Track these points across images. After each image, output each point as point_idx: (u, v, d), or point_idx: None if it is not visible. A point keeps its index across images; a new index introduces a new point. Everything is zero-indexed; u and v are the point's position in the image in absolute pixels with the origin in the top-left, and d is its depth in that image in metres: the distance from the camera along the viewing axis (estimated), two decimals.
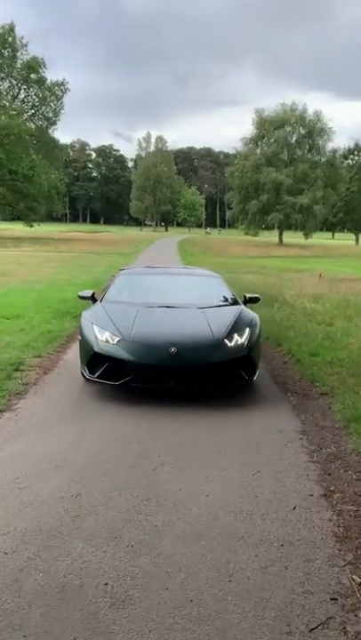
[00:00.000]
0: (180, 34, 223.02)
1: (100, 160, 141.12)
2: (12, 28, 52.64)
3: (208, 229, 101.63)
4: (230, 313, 6.55)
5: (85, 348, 6.10)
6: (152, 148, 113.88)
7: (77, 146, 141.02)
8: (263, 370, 7.09)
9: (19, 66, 53.31)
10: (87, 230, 79.04)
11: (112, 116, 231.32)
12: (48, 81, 54.08)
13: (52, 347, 8.17)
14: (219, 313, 6.62)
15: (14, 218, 64.54)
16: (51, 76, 55.42)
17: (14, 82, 54.33)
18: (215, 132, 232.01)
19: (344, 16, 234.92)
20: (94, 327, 6.10)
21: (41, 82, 53.62)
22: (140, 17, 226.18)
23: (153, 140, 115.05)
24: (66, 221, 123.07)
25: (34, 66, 52.62)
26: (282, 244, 56.98)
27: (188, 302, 6.90)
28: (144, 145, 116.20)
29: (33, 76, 53.24)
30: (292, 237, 62.31)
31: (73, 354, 7.79)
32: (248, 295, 7.57)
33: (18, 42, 52.99)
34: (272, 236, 62.61)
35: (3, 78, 54.56)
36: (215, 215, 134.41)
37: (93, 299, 7.41)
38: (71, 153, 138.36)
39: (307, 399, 6.01)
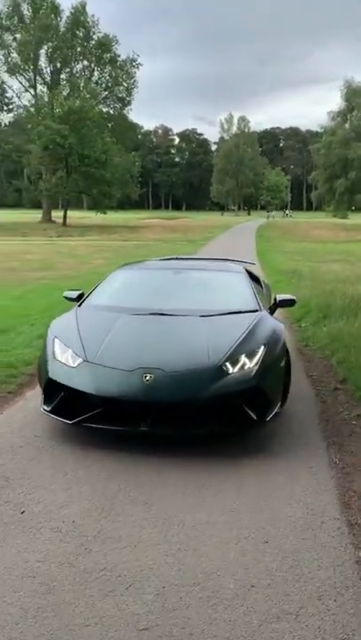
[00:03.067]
0: (264, 13, 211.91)
1: (184, 145, 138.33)
2: (83, 7, 50.58)
3: (288, 212, 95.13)
4: (243, 324, 4.76)
5: (42, 370, 4.61)
6: (234, 130, 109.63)
7: (160, 132, 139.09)
8: (331, 484, 3.73)
9: (91, 46, 51.25)
10: (166, 217, 76.37)
11: (196, 100, 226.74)
12: (120, 58, 51.52)
13: None
14: (227, 323, 4.88)
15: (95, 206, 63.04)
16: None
17: (87, 63, 52.41)
18: (302, 112, 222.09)
19: None
20: (55, 342, 4.62)
21: (113, 60, 51.18)
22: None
23: (235, 121, 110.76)
24: (148, 208, 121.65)
25: (106, 43, 50.29)
26: None
27: (191, 308, 5.17)
28: (226, 126, 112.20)
29: (106, 55, 50.96)
30: None
31: None
32: (280, 297, 6.01)
33: (90, 20, 50.89)
34: None
35: (77, 60, 52.85)
36: (301, 197, 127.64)
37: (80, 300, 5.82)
38: (154, 139, 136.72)
39: None
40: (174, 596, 2.52)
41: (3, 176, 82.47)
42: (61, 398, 4.29)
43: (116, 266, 18.41)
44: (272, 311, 5.74)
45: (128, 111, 54.83)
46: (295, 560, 2.79)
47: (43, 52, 51.36)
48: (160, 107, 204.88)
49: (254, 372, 4.22)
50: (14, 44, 50.64)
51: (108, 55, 51.23)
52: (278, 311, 7.50)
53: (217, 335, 4.57)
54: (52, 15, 49.81)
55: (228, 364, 4.21)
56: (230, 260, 7.50)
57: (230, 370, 4.19)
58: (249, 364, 4.26)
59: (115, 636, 2.29)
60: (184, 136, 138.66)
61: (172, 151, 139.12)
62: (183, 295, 5.54)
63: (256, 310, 5.21)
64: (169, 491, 3.51)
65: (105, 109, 52.42)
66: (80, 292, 6.02)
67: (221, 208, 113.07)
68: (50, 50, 51.32)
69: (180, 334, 4.70)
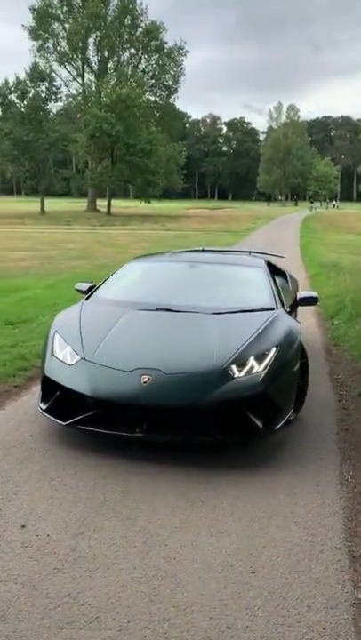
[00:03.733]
0: None
1: (231, 134, 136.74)
2: None
3: (335, 202, 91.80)
4: (255, 323, 4.39)
5: (41, 367, 4.38)
6: (283, 119, 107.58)
7: (208, 120, 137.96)
8: None
9: (138, 33, 50.99)
10: (210, 207, 75.69)
11: (246, 88, 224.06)
12: (167, 45, 51.08)
13: None
14: (237, 322, 4.51)
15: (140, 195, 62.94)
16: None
17: (134, 51, 52.18)
18: (355, 100, 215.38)
19: None
20: (56, 338, 4.38)
21: (160, 48, 50.78)
22: None
23: (284, 109, 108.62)
24: (194, 198, 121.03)
25: (153, 31, 49.92)
26: None
27: (202, 304, 4.82)
28: (275, 115, 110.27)
29: (153, 43, 50.61)
30: None
31: None
32: (301, 294, 5.71)
33: (138, 9, 50.61)
34: None
35: (124, 48, 52.71)
36: (351, 188, 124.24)
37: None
38: (202, 128, 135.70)
39: None
40: (138, 634, 2.23)
41: (51, 165, 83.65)
42: (57, 398, 4.06)
43: None
44: (292, 309, 5.35)
45: (175, 99, 54.54)
46: (282, 597, 2.46)
47: (91, 40, 51.54)
48: (210, 95, 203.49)
49: (262, 376, 3.86)
50: (63, 33, 50.96)
51: (155, 43, 50.88)
52: (311, 307, 7.09)
53: (225, 335, 4.22)
54: (101, 4, 49.78)
55: (233, 366, 3.87)
56: (257, 253, 7.07)
57: (236, 373, 3.85)
58: (257, 367, 3.91)
59: None
60: (232, 125, 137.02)
61: (220, 140, 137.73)
62: (195, 290, 5.21)
63: (272, 308, 4.81)
64: (158, 504, 3.23)
65: (152, 98, 52.18)
66: (92, 284, 5.76)
67: (268, 198, 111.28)
68: (98, 38, 51.40)
69: (186, 333, 4.37)
